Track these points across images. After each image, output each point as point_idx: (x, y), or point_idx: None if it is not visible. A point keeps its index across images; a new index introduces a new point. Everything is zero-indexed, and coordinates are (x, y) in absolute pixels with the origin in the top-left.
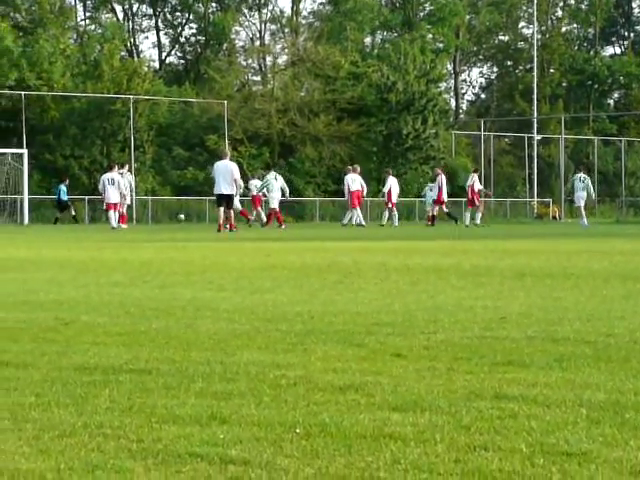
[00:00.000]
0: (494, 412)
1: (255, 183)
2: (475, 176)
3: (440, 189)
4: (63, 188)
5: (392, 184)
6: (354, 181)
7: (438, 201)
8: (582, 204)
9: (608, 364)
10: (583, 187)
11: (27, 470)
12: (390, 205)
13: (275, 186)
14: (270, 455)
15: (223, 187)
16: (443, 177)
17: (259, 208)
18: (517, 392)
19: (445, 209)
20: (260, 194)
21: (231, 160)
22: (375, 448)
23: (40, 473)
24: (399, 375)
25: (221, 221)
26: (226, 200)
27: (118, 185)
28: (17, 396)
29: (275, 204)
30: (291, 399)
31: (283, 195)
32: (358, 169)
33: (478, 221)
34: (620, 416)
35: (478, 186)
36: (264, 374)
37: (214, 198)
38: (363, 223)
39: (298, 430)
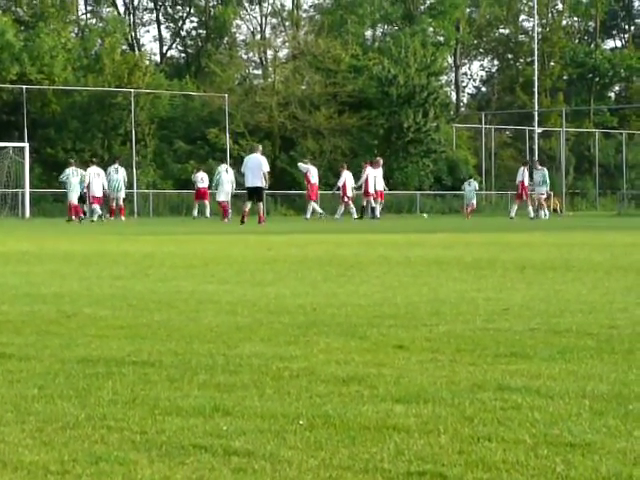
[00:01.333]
0: (497, 403)
1: (201, 176)
2: (525, 170)
3: (366, 181)
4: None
5: (347, 178)
6: (313, 175)
7: (366, 193)
8: (544, 196)
9: (611, 356)
10: (542, 180)
11: (30, 462)
12: (346, 199)
13: (225, 179)
14: (274, 446)
15: (252, 180)
16: (368, 169)
17: (205, 201)
18: (520, 384)
19: (364, 202)
20: (202, 187)
21: (262, 154)
22: (379, 439)
23: (44, 465)
24: (402, 367)
25: (246, 210)
26: (257, 193)
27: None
28: (20, 388)
29: (223, 197)
30: (294, 391)
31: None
32: (380, 162)
33: (513, 214)
34: (623, 407)
35: (527, 181)
36: (267, 366)
37: (215, 192)
38: (320, 212)
39: (301, 422)
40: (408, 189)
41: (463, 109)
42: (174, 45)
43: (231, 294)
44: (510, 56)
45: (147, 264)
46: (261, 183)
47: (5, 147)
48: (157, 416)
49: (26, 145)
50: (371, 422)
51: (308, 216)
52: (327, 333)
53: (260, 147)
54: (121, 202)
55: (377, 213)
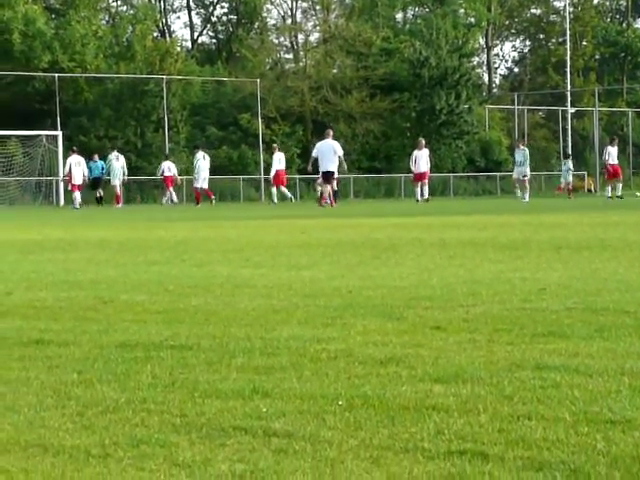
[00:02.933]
0: (536, 382)
1: (167, 165)
2: (610, 149)
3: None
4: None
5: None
6: (280, 161)
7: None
8: (528, 177)
9: None
10: (523, 161)
11: (72, 446)
12: (278, 181)
13: (202, 166)
14: (314, 427)
15: (328, 165)
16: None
17: (171, 189)
18: (559, 362)
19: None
20: (169, 175)
21: (334, 139)
22: (418, 419)
23: (85, 448)
24: (439, 347)
25: (325, 195)
26: (330, 176)
27: (83, 167)
28: (59, 374)
29: (200, 183)
30: (332, 372)
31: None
32: (423, 142)
33: (619, 192)
34: None
35: (612, 160)
36: (304, 348)
37: (248, 177)
38: (289, 196)
39: (340, 402)
40: (441, 171)
41: (495, 90)
42: (205, 31)
43: (266, 278)
44: (542, 36)
45: (182, 249)
46: (334, 167)
47: (38, 135)
48: (196, 399)
49: (59, 133)
50: (410, 402)
51: (275, 200)
52: (364, 315)
53: (331, 132)
54: (118, 190)
55: (425, 194)
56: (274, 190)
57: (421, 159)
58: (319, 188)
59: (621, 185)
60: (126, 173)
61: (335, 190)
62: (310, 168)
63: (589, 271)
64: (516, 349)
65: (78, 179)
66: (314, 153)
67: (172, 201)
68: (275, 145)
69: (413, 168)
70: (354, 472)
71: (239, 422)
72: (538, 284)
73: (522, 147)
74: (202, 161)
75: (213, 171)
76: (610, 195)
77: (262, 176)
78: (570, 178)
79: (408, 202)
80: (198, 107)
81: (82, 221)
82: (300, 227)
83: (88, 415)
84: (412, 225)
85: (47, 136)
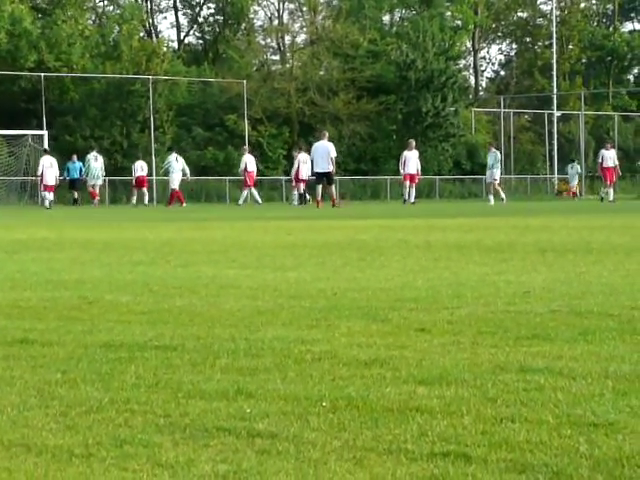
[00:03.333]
0: (520, 385)
1: (140, 165)
2: (604, 152)
3: (297, 168)
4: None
5: (248, 162)
6: (250, 162)
7: (296, 179)
8: (497, 181)
9: (633, 336)
10: (493, 163)
11: (55, 445)
12: (249, 183)
13: (176, 167)
14: (297, 428)
15: (321, 166)
16: (302, 155)
17: (144, 189)
18: (542, 365)
19: (302, 189)
20: (140, 175)
21: (329, 140)
22: (402, 421)
23: (68, 448)
24: (424, 349)
25: (319, 198)
26: (326, 177)
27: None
28: (43, 373)
29: (175, 184)
30: (316, 374)
31: (184, 175)
32: (413, 143)
33: (611, 197)
34: None
35: (609, 163)
36: (289, 350)
37: (237, 178)
38: (259, 201)
39: (324, 404)
40: (427, 174)
41: (482, 93)
42: (191, 31)
43: (252, 279)
44: (528, 39)
45: (167, 250)
46: (330, 168)
47: (24, 135)
48: (180, 399)
49: (45, 133)
50: (394, 404)
51: (241, 202)
52: (348, 317)
53: (327, 133)
54: (97, 189)
55: (412, 198)
56: (245, 192)
57: (411, 160)
58: (296, 191)
59: (611, 190)
60: (103, 174)
61: (301, 193)
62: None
63: (574, 274)
64: (500, 352)
65: (50, 180)
66: (311, 155)
67: (143, 202)
68: (245, 147)
69: (402, 170)
70: (337, 473)
71: (223, 423)
72: (523, 287)
73: (493, 150)
74: (175, 162)
75: (199, 172)
76: (608, 198)
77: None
78: (576, 181)
79: (394, 204)
80: (184, 108)
81: (67, 221)
82: (286, 228)
83: (72, 415)
84: (398, 227)
85: (33, 136)
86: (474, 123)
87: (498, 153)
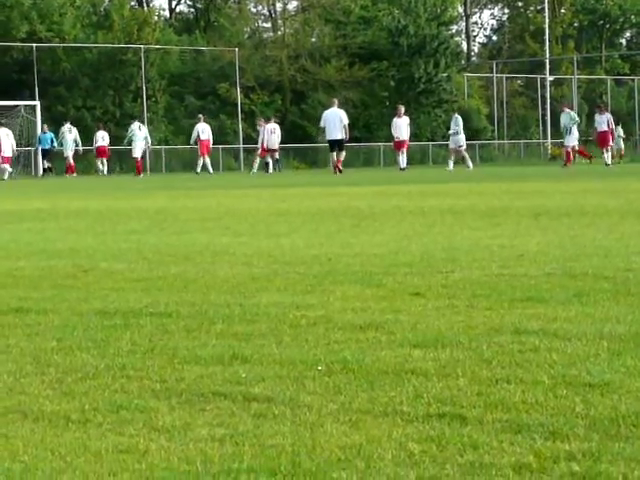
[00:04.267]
0: (515, 346)
1: (101, 134)
2: (596, 117)
3: (264, 137)
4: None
5: (200, 130)
6: (203, 131)
7: (263, 149)
8: (463, 147)
9: (627, 298)
10: (458, 130)
11: (52, 412)
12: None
13: (139, 136)
14: (293, 392)
15: (334, 133)
16: (269, 125)
17: (104, 159)
18: (537, 327)
19: (268, 158)
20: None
21: (340, 108)
22: (397, 383)
23: (65, 414)
24: (419, 313)
25: (334, 164)
26: (338, 144)
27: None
28: (39, 341)
29: (138, 153)
30: (312, 338)
31: (147, 145)
32: (402, 109)
33: (609, 161)
34: None
35: (603, 127)
36: (284, 315)
37: (227, 147)
38: (211, 171)
39: (320, 367)
40: (420, 140)
41: (474, 58)
42: (183, 0)
43: (246, 246)
44: (520, 4)
45: (161, 218)
46: (341, 135)
47: (17, 105)
48: (176, 365)
49: (37, 103)
50: (389, 367)
51: (199, 170)
52: (343, 282)
53: (336, 101)
54: (71, 160)
55: (402, 164)
56: (200, 161)
57: (401, 127)
58: (258, 159)
59: (609, 154)
60: (79, 144)
61: (277, 159)
62: (320, 138)
63: (568, 237)
64: (495, 314)
65: (7, 151)
66: (321, 123)
67: (103, 172)
68: (200, 115)
69: (395, 135)
70: (333, 435)
71: (218, 387)
72: (517, 250)
73: (456, 115)
74: (137, 131)
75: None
76: (608, 162)
77: (241, 145)
78: (622, 144)
79: (387, 171)
80: (176, 77)
81: (61, 191)
82: (280, 196)
83: (67, 381)
84: (391, 193)
85: (25, 106)
86: (467, 88)
87: (459, 118)
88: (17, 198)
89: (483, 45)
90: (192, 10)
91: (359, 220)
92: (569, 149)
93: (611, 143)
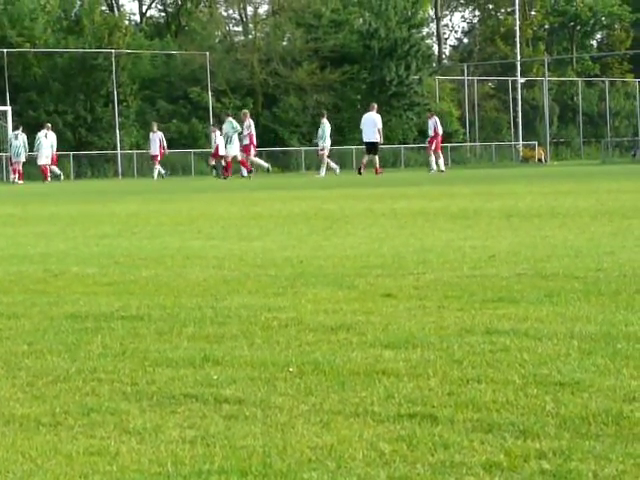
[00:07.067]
0: (486, 346)
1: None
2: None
3: (217, 145)
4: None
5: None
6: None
7: (215, 155)
8: (324, 152)
9: (598, 297)
10: (321, 134)
11: (22, 415)
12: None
13: (44, 143)
14: (264, 394)
15: (369, 136)
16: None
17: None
18: (508, 327)
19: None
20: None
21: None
22: (368, 384)
23: (35, 417)
24: (390, 314)
25: (363, 165)
26: (373, 147)
27: None
28: (10, 345)
29: (43, 161)
30: (283, 340)
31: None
32: (375, 106)
33: (435, 167)
34: (612, 346)
35: (429, 132)
36: (255, 317)
37: (199, 151)
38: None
39: (291, 369)
40: (392, 143)
41: (445, 61)
42: (153, 4)
43: (218, 249)
44: (491, 6)
45: (133, 222)
46: (376, 138)
47: None
48: (147, 367)
49: (8, 109)
50: (360, 367)
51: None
52: (314, 284)
53: (375, 105)
54: (20, 167)
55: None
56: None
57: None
58: (212, 162)
59: (442, 160)
60: (27, 150)
61: (214, 165)
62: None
63: (539, 238)
64: (466, 315)
65: None
66: (361, 125)
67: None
68: (154, 122)
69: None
70: (305, 436)
71: (190, 390)
72: (488, 251)
73: (323, 120)
74: (43, 139)
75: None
76: (442, 169)
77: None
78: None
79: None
80: (148, 81)
81: (33, 197)
82: (252, 200)
83: (38, 385)
84: (363, 196)
85: None
86: (438, 91)
87: (325, 124)
88: None
89: (454, 48)
90: (163, 14)
91: (331, 223)
92: (229, 159)
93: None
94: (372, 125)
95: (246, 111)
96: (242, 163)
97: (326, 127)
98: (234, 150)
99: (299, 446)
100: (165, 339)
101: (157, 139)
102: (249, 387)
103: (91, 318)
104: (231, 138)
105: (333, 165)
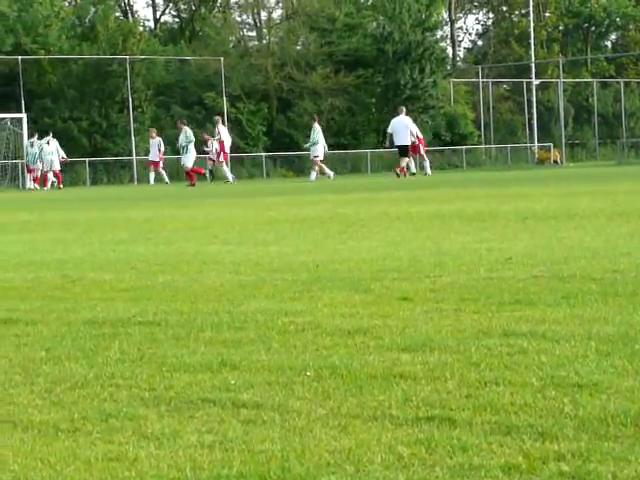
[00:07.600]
0: (503, 349)
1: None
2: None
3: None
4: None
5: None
6: (161, 145)
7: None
8: (319, 158)
9: (615, 299)
10: (314, 140)
11: (41, 421)
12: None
13: (47, 150)
14: (282, 398)
15: (401, 139)
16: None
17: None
18: (526, 329)
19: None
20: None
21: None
22: (386, 387)
23: (54, 424)
24: (407, 317)
25: (403, 165)
26: (406, 149)
27: None
28: (28, 352)
29: (46, 167)
30: (300, 344)
31: (62, 158)
32: (404, 109)
33: (413, 170)
34: (630, 347)
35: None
36: (272, 321)
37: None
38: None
39: (309, 373)
40: None
41: (460, 63)
42: (167, 10)
43: (234, 254)
44: (505, 8)
45: (148, 228)
46: (407, 141)
47: (3, 118)
48: (165, 373)
49: (24, 116)
50: (378, 371)
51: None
52: (331, 288)
53: (404, 108)
54: (53, 173)
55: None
56: (152, 174)
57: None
58: (210, 164)
59: (427, 162)
60: (60, 154)
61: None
62: (387, 144)
63: (555, 240)
64: (483, 317)
65: None
66: (389, 129)
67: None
68: (152, 129)
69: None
70: (323, 440)
71: (207, 394)
72: (504, 254)
73: (314, 124)
74: (46, 146)
75: (179, 150)
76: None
77: (229, 154)
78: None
79: (375, 178)
80: (162, 87)
81: (49, 203)
82: (267, 204)
83: (57, 391)
84: (379, 200)
85: (12, 119)
86: (453, 94)
87: (316, 129)
88: (6, 210)
89: (468, 50)
90: (177, 20)
91: (346, 227)
92: (188, 169)
93: (422, 151)
94: (404, 128)
95: (218, 117)
96: (188, 174)
97: (318, 132)
98: (190, 160)
99: (317, 450)
100: (182, 344)
101: (156, 145)
102: (267, 391)
103: (108, 324)
104: (186, 148)
105: (327, 171)
